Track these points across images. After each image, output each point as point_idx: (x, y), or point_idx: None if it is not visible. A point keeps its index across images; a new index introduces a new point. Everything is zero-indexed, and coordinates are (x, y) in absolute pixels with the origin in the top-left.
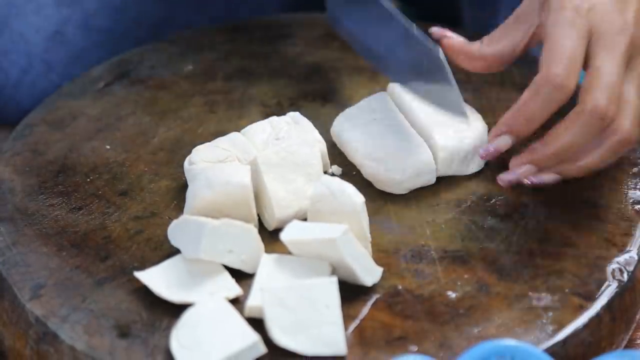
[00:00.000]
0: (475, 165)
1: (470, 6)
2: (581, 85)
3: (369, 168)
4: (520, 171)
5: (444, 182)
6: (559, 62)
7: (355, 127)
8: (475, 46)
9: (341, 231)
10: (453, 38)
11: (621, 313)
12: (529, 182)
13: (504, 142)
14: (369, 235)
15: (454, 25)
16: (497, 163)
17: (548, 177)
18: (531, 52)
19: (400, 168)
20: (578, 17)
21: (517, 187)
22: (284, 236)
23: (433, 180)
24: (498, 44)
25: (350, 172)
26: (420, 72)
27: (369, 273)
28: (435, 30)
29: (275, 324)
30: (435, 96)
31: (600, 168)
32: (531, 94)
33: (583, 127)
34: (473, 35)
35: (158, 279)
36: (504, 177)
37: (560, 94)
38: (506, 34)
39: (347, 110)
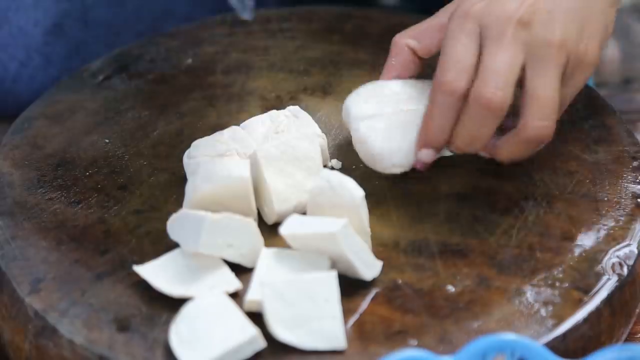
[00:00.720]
0: None
1: None
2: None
3: (363, 133)
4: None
5: (443, 175)
6: (446, 70)
7: (369, 100)
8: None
9: (341, 225)
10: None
11: (621, 307)
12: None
13: (426, 156)
14: (368, 229)
15: None
16: None
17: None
18: None
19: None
20: (466, 21)
21: (518, 181)
22: (283, 230)
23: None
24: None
25: (350, 166)
26: None
27: (368, 267)
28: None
29: (275, 318)
30: None
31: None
32: (430, 105)
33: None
34: None
35: (157, 273)
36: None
37: (452, 99)
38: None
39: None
